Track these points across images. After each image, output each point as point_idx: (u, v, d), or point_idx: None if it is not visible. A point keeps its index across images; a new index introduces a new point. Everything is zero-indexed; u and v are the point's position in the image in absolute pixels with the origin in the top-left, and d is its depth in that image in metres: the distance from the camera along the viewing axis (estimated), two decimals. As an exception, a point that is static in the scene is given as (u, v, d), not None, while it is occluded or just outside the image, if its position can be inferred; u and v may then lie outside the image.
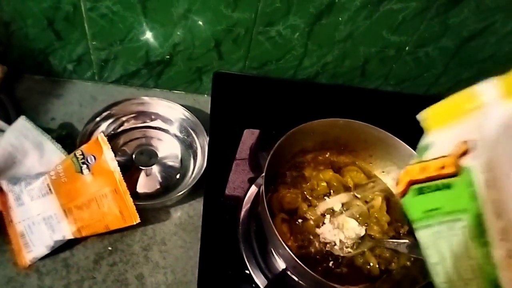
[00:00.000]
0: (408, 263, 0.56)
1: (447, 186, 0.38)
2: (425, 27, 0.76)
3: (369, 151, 0.64)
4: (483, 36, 0.78)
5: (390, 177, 0.64)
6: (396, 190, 0.46)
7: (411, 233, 0.59)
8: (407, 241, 0.53)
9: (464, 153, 0.37)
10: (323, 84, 0.86)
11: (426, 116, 0.42)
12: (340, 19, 0.74)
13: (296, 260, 0.47)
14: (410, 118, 0.81)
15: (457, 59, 0.83)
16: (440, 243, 0.38)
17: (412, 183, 0.41)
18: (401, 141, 0.61)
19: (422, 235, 0.40)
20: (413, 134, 0.61)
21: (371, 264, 0.56)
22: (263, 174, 0.59)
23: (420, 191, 0.41)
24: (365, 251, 0.57)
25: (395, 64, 0.83)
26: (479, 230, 0.35)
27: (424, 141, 0.43)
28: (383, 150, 0.63)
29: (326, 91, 0.85)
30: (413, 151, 0.60)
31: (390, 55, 0.81)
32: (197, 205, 0.72)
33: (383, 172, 0.65)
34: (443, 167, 0.38)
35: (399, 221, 0.60)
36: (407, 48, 0.80)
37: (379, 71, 0.84)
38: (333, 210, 0.60)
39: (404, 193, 0.42)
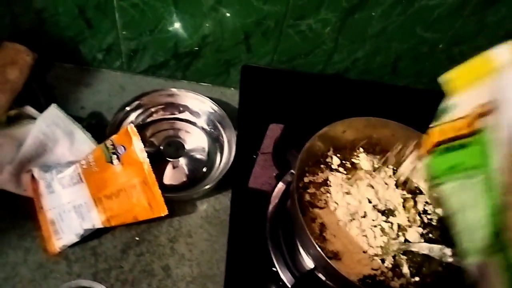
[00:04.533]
0: (439, 268, 0.55)
1: (465, 145, 0.42)
2: (461, 25, 0.74)
3: (402, 152, 0.63)
4: (520, 36, 0.76)
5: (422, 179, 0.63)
6: (420, 152, 0.48)
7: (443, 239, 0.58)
8: (441, 246, 0.52)
9: (482, 114, 0.40)
10: (353, 80, 0.85)
11: (447, 79, 0.45)
12: (373, 14, 0.72)
13: (326, 260, 0.47)
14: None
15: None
16: (459, 195, 0.42)
17: (434, 145, 0.45)
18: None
19: (444, 189, 0.44)
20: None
21: (402, 267, 0.55)
22: (292, 171, 0.59)
23: (442, 151, 0.44)
24: (396, 254, 0.56)
25: (428, 62, 0.81)
26: (492, 184, 0.37)
27: (444, 103, 0.45)
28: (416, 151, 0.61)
29: (355, 87, 0.84)
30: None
31: (423, 53, 0.79)
32: (223, 199, 0.72)
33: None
34: (461, 128, 0.42)
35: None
36: (441, 45, 0.78)
37: (411, 68, 0.83)
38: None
39: (428, 154, 0.46)
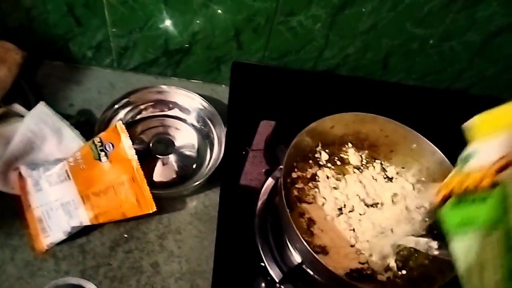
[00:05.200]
0: (426, 261, 0.55)
1: (483, 199, 0.38)
2: (451, 20, 0.74)
3: (390, 147, 0.63)
4: (511, 32, 0.76)
5: (410, 174, 0.63)
6: (435, 200, 0.46)
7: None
8: (427, 239, 0.52)
9: (504, 167, 0.37)
10: (344, 76, 0.85)
11: (471, 126, 0.42)
12: (363, 10, 0.72)
13: (313, 255, 0.47)
14: (432, 113, 0.80)
15: (482, 54, 0.80)
16: (471, 254, 0.38)
17: (450, 195, 0.42)
18: (423, 137, 0.59)
19: (455, 246, 0.40)
20: (435, 129, 0.61)
21: (389, 261, 0.55)
22: (281, 166, 0.58)
23: (457, 203, 0.41)
24: (382, 248, 0.56)
25: (418, 58, 0.81)
26: (507, 246, 0.35)
27: (466, 151, 0.43)
28: (405, 146, 0.61)
29: (346, 83, 0.84)
30: (434, 147, 0.59)
31: (414, 48, 0.79)
32: (213, 196, 0.72)
33: (403, 168, 0.64)
34: (481, 180, 0.39)
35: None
36: (431, 41, 0.77)
37: (401, 64, 0.82)
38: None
39: (442, 204, 0.43)
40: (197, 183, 0.68)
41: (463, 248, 0.39)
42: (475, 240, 0.38)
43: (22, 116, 0.70)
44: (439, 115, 0.80)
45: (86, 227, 0.64)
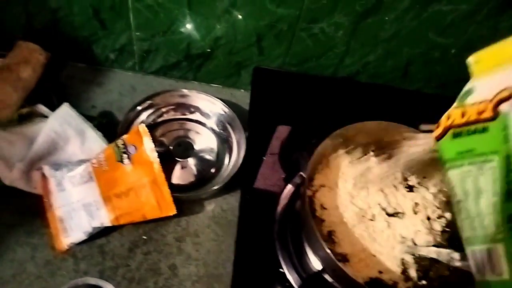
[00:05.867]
0: (447, 272, 0.55)
1: (483, 130, 0.40)
2: (474, 30, 0.73)
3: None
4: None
5: (431, 183, 0.62)
6: (434, 133, 0.47)
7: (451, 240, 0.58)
8: (449, 250, 0.51)
9: (504, 99, 0.38)
10: (363, 83, 0.85)
11: (473, 61, 0.44)
12: (386, 18, 0.72)
13: (336, 263, 0.47)
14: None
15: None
16: (467, 181, 0.41)
17: (450, 127, 0.43)
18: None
19: (452, 174, 0.42)
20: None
21: (409, 271, 0.55)
22: (301, 173, 0.58)
23: (457, 134, 0.43)
24: (403, 257, 0.55)
25: (439, 67, 0.81)
26: (507, 170, 0.37)
27: (467, 85, 0.44)
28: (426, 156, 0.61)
29: (365, 90, 0.84)
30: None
31: (435, 57, 0.78)
32: (231, 200, 0.72)
33: (424, 177, 0.63)
34: (482, 112, 0.40)
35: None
36: (453, 51, 0.77)
37: (421, 72, 0.82)
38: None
39: (442, 136, 0.44)
40: (215, 187, 0.68)
41: (460, 175, 0.41)
42: (473, 167, 0.40)
43: (45, 117, 0.71)
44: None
45: (106, 228, 0.65)
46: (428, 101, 0.85)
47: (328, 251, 0.46)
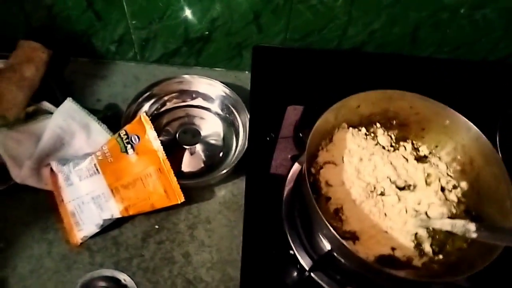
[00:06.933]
0: (464, 245, 0.52)
1: None
2: (484, -15, 0.69)
3: (422, 125, 0.59)
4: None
5: (444, 152, 0.60)
6: None
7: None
8: (464, 221, 0.49)
9: None
10: (370, 53, 0.81)
11: None
12: (387, -19, 0.68)
13: (341, 242, 0.45)
14: (467, 87, 0.76)
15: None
16: None
17: None
18: (456, 113, 0.56)
19: None
20: (469, 104, 0.57)
21: (424, 245, 0.53)
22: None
23: None
24: (417, 232, 0.53)
25: (449, 29, 0.76)
26: None
27: None
28: (437, 123, 0.58)
29: (373, 61, 0.80)
30: (469, 122, 0.55)
31: (444, 19, 0.74)
32: (241, 184, 0.71)
33: (436, 146, 0.60)
34: None
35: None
36: (462, 10, 0.72)
37: (431, 37, 0.78)
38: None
39: None
40: (224, 171, 0.67)
41: None
42: None
43: (51, 113, 0.72)
44: (474, 89, 0.75)
45: (118, 219, 0.65)
46: (441, 67, 0.81)
47: (332, 230, 0.45)
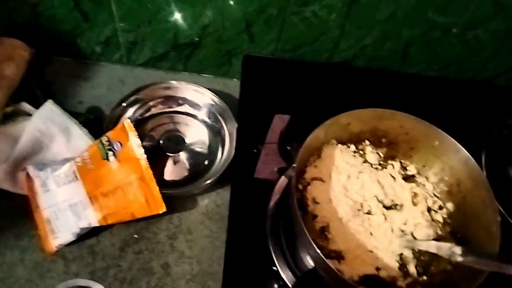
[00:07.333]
0: (449, 267, 0.52)
1: None
2: (476, 8, 0.69)
3: (410, 144, 0.59)
4: (541, 18, 0.71)
5: (431, 172, 0.59)
6: None
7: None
8: (450, 244, 0.48)
9: None
10: (360, 67, 0.81)
11: None
12: (381, -3, 0.68)
13: (325, 261, 0.44)
14: (455, 107, 0.76)
15: (509, 43, 0.75)
16: None
17: None
18: (446, 134, 0.55)
19: None
20: (458, 125, 0.57)
21: (409, 266, 0.52)
22: (294, 165, 0.55)
23: None
24: (402, 253, 0.53)
25: (440, 48, 0.76)
26: None
27: None
28: (426, 144, 0.57)
29: (363, 75, 0.80)
30: (458, 144, 0.55)
31: (436, 38, 0.74)
32: (225, 194, 0.69)
33: (424, 166, 0.60)
34: None
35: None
36: (454, 30, 0.73)
37: (422, 54, 0.78)
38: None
39: None
40: (208, 181, 0.66)
41: None
42: None
43: (30, 115, 0.69)
44: (462, 109, 0.76)
45: (96, 227, 0.63)
46: (430, 85, 0.81)
47: (317, 249, 0.44)
